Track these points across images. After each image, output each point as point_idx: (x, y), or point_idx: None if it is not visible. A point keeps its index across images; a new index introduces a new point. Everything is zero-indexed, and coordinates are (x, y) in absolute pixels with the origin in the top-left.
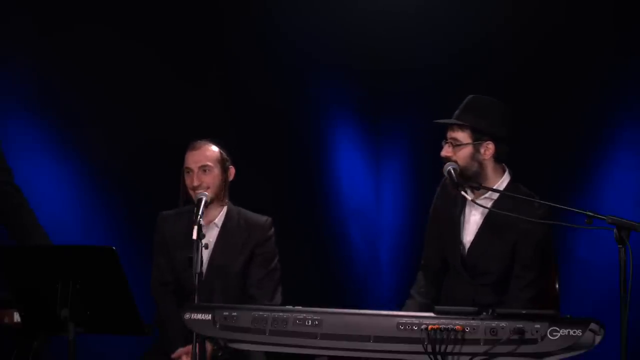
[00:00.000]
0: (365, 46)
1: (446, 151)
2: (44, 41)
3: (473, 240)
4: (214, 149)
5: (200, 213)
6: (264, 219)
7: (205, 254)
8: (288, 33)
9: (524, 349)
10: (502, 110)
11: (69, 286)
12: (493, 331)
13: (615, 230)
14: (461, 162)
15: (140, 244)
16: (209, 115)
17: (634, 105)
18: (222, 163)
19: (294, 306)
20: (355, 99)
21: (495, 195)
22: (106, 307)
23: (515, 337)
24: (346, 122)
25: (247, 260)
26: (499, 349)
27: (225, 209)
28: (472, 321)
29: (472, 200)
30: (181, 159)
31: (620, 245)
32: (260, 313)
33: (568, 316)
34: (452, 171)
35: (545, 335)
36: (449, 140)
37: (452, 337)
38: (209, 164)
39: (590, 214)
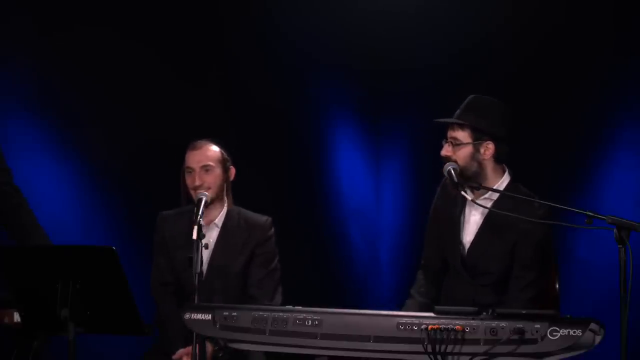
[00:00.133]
0: (365, 46)
1: (446, 150)
2: (44, 41)
3: (473, 240)
4: (215, 149)
5: (200, 213)
6: (264, 218)
7: (206, 254)
8: (288, 33)
9: (524, 349)
10: (502, 111)
11: (69, 286)
12: (493, 331)
13: (615, 230)
14: (461, 161)
15: (140, 244)
16: (209, 115)
17: (634, 105)
18: (223, 163)
19: (294, 306)
20: (355, 99)
21: (495, 196)
22: (106, 307)
23: (515, 337)
24: (346, 122)
25: (247, 260)
26: (499, 349)
27: (225, 209)
28: (472, 321)
29: (472, 200)
30: (181, 159)
31: (620, 245)
32: (260, 313)
33: (568, 316)
34: (452, 171)
35: (545, 335)
36: (449, 140)
37: (452, 337)
38: (211, 163)
39: (590, 214)
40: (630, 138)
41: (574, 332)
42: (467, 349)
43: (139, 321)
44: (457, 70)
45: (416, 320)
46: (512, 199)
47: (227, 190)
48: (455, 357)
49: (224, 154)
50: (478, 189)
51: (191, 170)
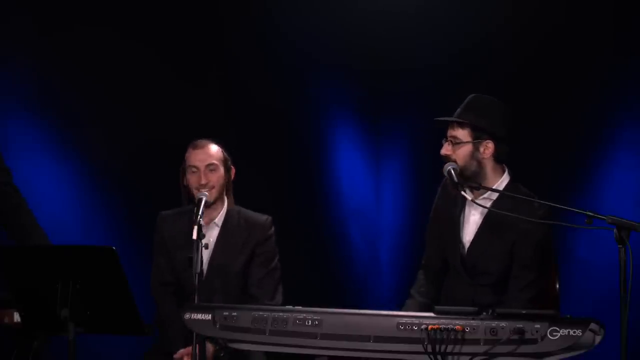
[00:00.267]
0: (365, 46)
1: (446, 149)
2: (44, 41)
3: (472, 240)
4: (217, 148)
5: (200, 213)
6: (264, 218)
7: (206, 254)
8: (288, 33)
9: (524, 349)
10: (502, 110)
11: (69, 286)
12: (493, 331)
13: (615, 230)
14: (460, 160)
15: (140, 244)
16: (209, 115)
17: (634, 105)
18: (225, 162)
19: (294, 306)
20: (355, 99)
21: (495, 195)
22: (106, 307)
23: (515, 337)
24: (346, 122)
25: (247, 260)
26: (499, 349)
27: (225, 208)
28: (472, 321)
29: (472, 200)
30: (181, 159)
31: (620, 245)
32: (260, 313)
33: (568, 316)
34: (452, 171)
35: (545, 335)
36: (448, 139)
37: (452, 337)
38: (215, 162)
39: (590, 214)
40: (630, 138)
41: (574, 332)
42: (467, 349)
43: (139, 321)
44: (457, 70)
45: (416, 320)
46: (511, 199)
47: (227, 190)
48: (455, 357)
49: (225, 153)
50: (478, 188)
51: (196, 169)
